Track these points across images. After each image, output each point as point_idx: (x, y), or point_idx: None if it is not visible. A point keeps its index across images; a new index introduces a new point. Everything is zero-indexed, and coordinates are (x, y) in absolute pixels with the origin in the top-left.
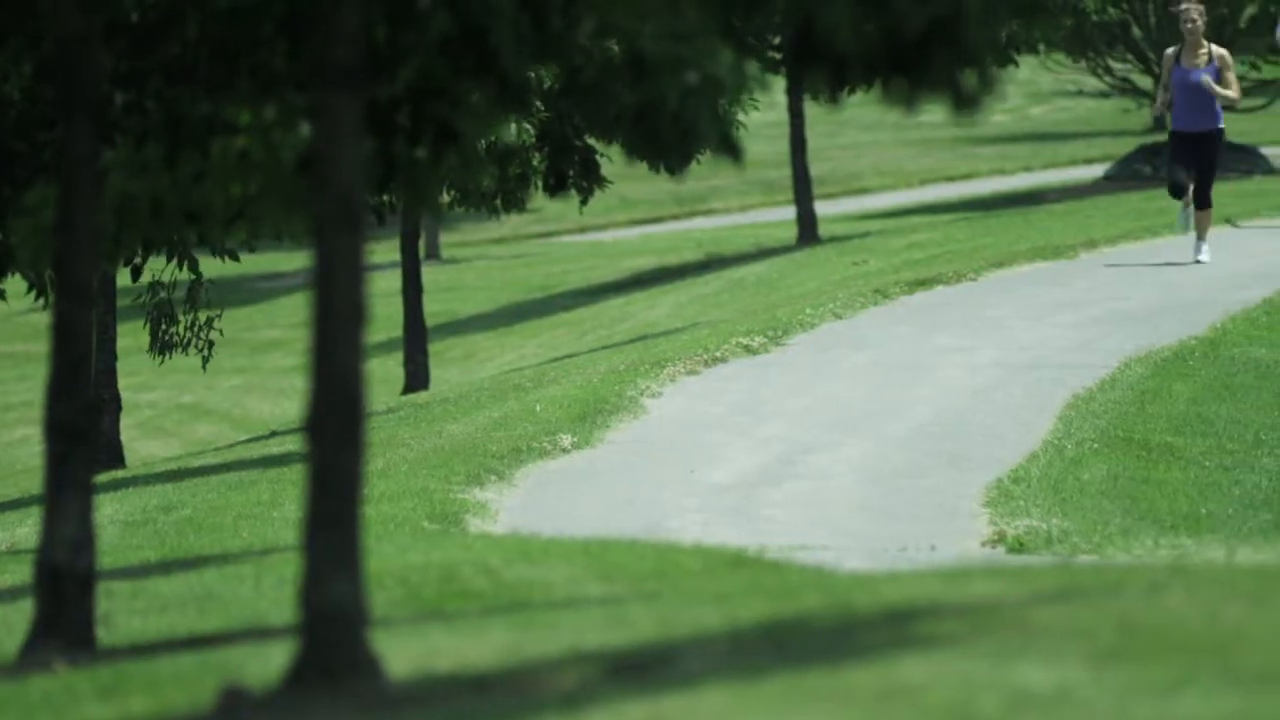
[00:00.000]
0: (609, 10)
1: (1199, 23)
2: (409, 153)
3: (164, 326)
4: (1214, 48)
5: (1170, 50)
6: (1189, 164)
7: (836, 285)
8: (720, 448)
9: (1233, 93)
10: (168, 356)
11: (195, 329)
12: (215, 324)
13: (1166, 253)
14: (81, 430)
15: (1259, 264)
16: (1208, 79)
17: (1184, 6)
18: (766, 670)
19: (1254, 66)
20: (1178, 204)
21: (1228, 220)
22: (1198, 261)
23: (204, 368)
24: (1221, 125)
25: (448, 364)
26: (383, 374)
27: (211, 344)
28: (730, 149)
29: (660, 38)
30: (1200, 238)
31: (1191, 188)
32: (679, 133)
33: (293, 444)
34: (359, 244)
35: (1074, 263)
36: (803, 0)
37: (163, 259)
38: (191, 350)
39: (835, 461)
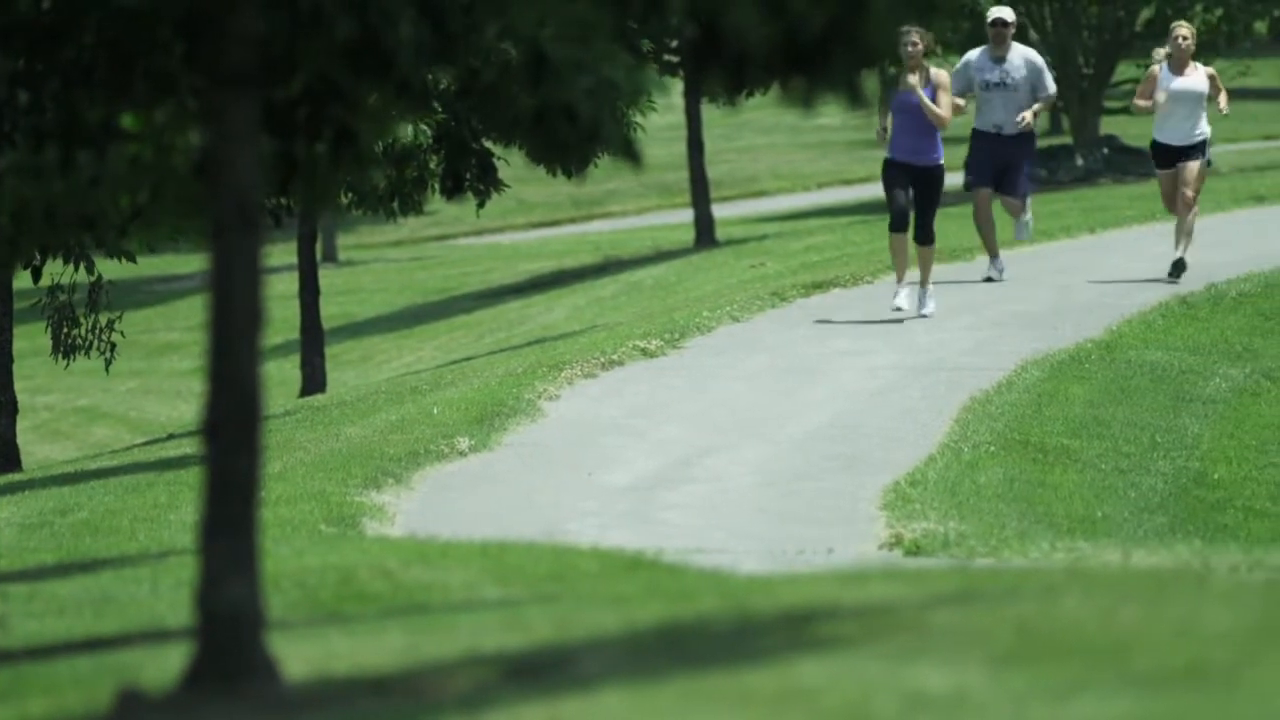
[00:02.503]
0: (509, 13)
1: (920, 47)
2: (308, 153)
3: (65, 329)
4: (933, 70)
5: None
6: (907, 189)
7: (734, 288)
8: (618, 450)
9: (943, 113)
10: (71, 360)
11: (97, 331)
12: (116, 326)
13: (1062, 256)
14: None
15: (1154, 267)
16: (920, 92)
17: (905, 30)
18: (664, 673)
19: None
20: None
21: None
22: (920, 314)
23: (107, 370)
24: (940, 160)
25: (345, 367)
26: (280, 377)
27: (114, 346)
28: (630, 154)
29: (559, 40)
30: (923, 283)
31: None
32: (578, 135)
33: (190, 447)
34: (256, 246)
35: (971, 265)
36: (705, 1)
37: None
38: (94, 353)
39: (733, 464)
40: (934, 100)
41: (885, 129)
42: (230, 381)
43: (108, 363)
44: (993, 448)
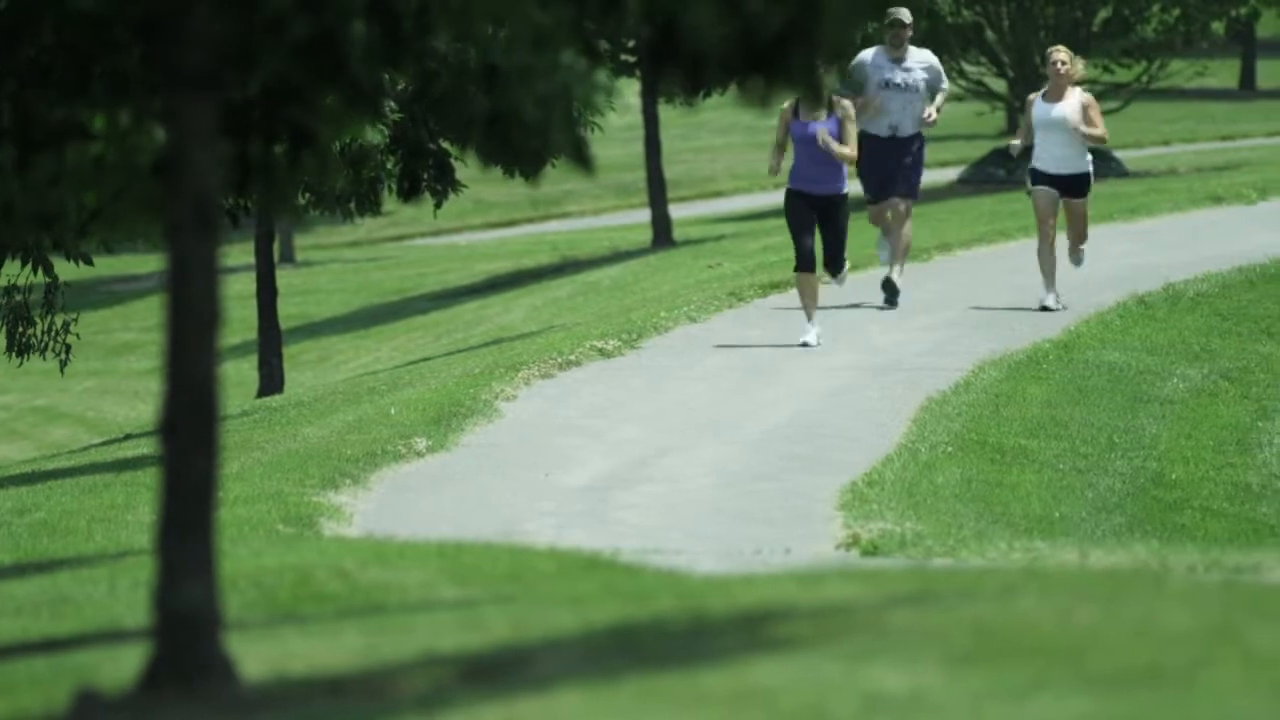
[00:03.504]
0: (462, 17)
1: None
2: (266, 154)
3: (21, 329)
4: (838, 99)
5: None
6: (813, 228)
7: (691, 288)
8: (575, 451)
9: (850, 153)
10: (25, 359)
11: (53, 332)
12: (72, 327)
13: (1020, 257)
14: None
15: (1112, 267)
16: (824, 134)
17: None
18: (620, 673)
19: (1107, 70)
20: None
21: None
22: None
23: (62, 371)
24: (844, 189)
25: (302, 367)
26: (237, 377)
27: (69, 347)
28: (581, 159)
29: (513, 44)
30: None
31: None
32: (530, 140)
33: (147, 447)
34: (213, 247)
35: (928, 265)
36: (662, 1)
37: (18, 262)
38: (49, 354)
39: (690, 464)
40: (840, 132)
41: (778, 165)
42: (187, 382)
43: (63, 364)
44: (950, 448)
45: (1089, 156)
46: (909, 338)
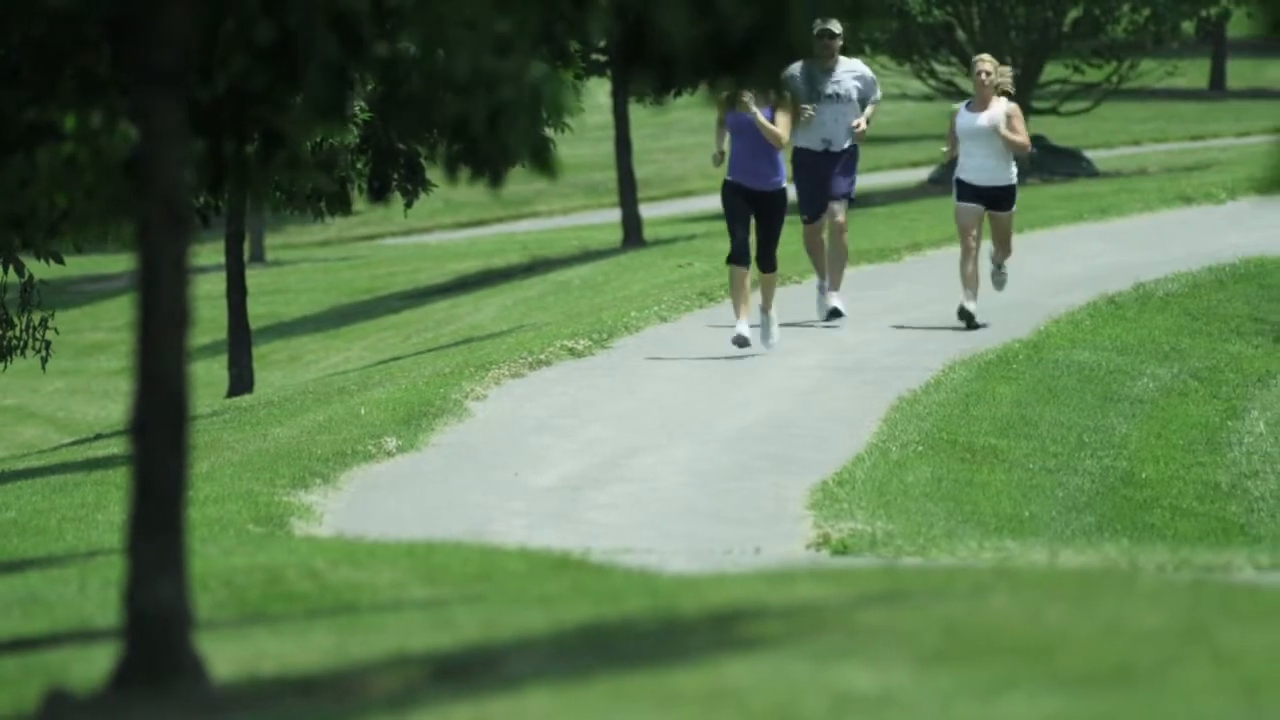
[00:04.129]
0: (425, 23)
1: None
2: (238, 153)
3: (1, 331)
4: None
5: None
6: (749, 222)
7: (662, 288)
8: (545, 450)
9: (781, 132)
10: (7, 362)
11: (31, 330)
12: (50, 324)
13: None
14: None
15: (1082, 268)
16: (757, 114)
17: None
18: (591, 673)
19: (1077, 69)
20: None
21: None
22: (764, 345)
23: (43, 368)
24: (782, 183)
25: (272, 367)
26: (207, 377)
27: (48, 344)
28: (544, 164)
29: (477, 49)
30: (765, 309)
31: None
32: (495, 145)
33: (117, 447)
34: (183, 247)
35: (899, 265)
36: (633, 2)
37: None
38: (29, 351)
39: (660, 464)
40: (772, 119)
41: (722, 152)
42: (158, 381)
43: (44, 361)
44: (920, 447)
45: (1014, 168)
46: (879, 337)
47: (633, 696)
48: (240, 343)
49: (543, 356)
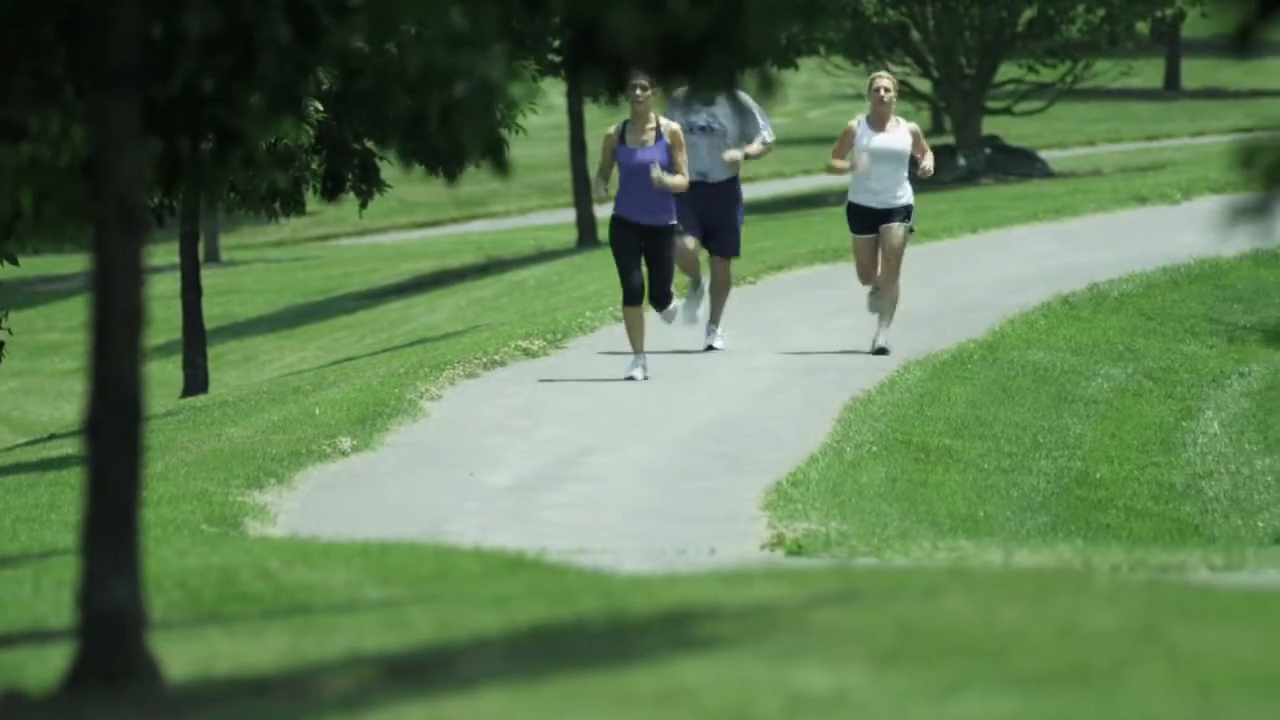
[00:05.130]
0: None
1: (649, 94)
2: (194, 153)
3: None
4: (663, 121)
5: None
6: (639, 260)
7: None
8: (500, 450)
9: (681, 181)
10: None
11: None
12: (3, 324)
13: (946, 256)
14: None
15: (1036, 268)
16: (656, 169)
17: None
18: (545, 673)
19: (1031, 69)
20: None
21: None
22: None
23: None
24: (673, 220)
25: (227, 367)
26: (162, 377)
27: (2, 345)
28: (498, 162)
29: (435, 44)
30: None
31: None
32: (450, 140)
33: (71, 447)
34: (138, 247)
35: (852, 265)
36: (585, 3)
37: None
38: None
39: (615, 464)
40: (670, 161)
41: (605, 192)
42: (112, 382)
43: None
44: (875, 448)
45: (909, 188)
46: (834, 338)
47: (587, 696)
48: (195, 343)
49: (497, 357)
